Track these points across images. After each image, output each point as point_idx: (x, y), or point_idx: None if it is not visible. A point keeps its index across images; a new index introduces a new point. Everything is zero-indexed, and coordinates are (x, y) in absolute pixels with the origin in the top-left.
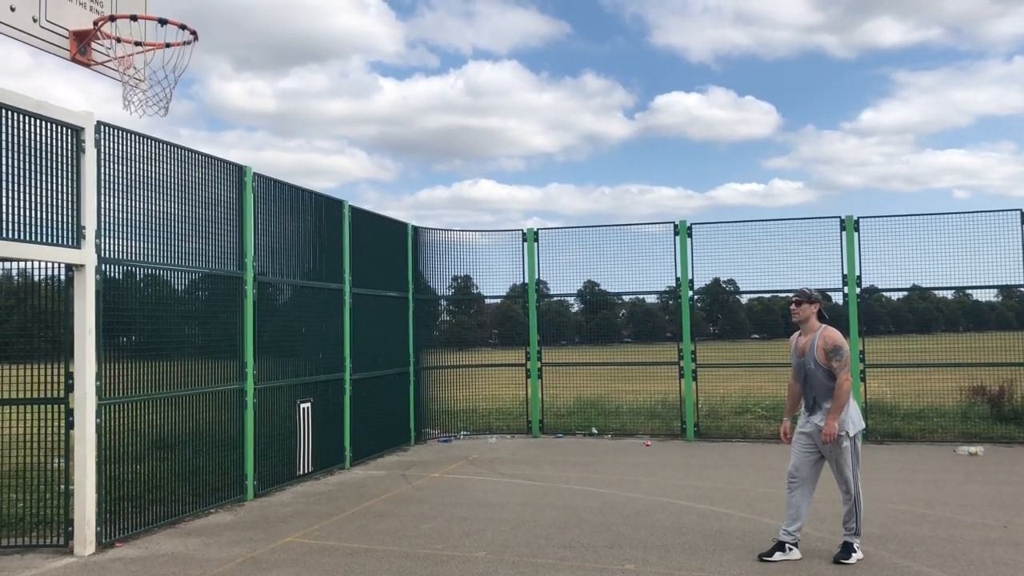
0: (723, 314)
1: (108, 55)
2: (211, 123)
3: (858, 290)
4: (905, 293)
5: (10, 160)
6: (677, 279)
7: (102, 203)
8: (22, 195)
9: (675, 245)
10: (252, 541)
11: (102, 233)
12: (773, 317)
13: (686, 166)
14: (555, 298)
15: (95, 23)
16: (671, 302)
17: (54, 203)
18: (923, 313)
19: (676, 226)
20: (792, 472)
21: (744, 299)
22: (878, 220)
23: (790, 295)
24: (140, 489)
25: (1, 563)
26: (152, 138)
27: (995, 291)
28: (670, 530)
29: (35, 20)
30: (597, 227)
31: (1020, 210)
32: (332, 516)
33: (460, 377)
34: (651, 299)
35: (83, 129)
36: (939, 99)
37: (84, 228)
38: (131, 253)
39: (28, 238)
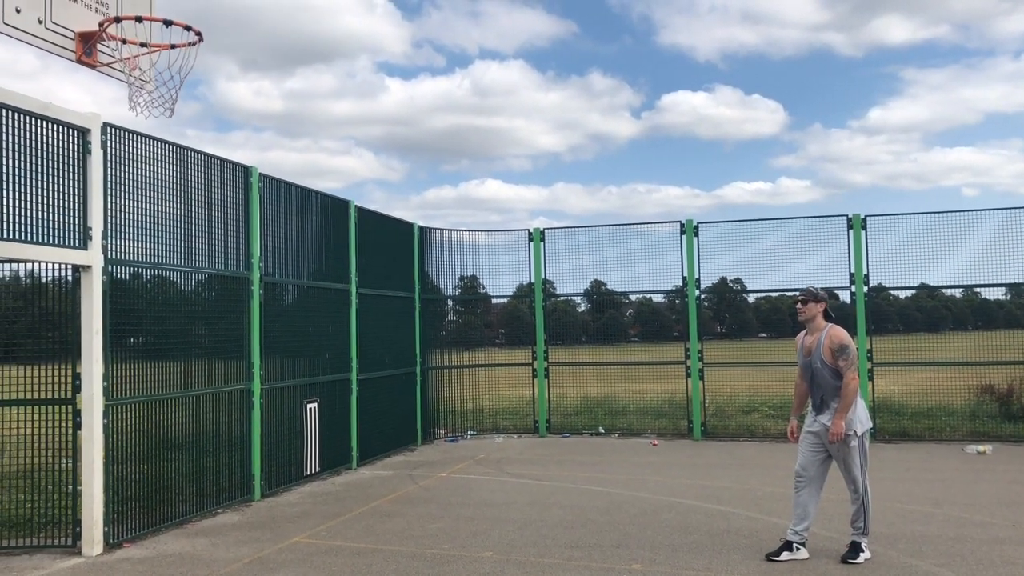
0: (730, 313)
1: (113, 56)
2: (218, 124)
3: (865, 289)
4: (913, 291)
5: (17, 162)
6: (684, 278)
7: (108, 204)
8: (29, 196)
9: (682, 244)
10: (259, 541)
11: (108, 234)
12: (780, 316)
13: (693, 165)
14: (562, 298)
15: (100, 24)
16: (678, 301)
17: (61, 204)
18: (931, 311)
19: (683, 225)
20: (799, 471)
21: (751, 298)
22: (885, 218)
23: (797, 294)
24: (147, 489)
25: (10, 563)
26: (158, 139)
27: (1004, 289)
28: (677, 530)
29: (40, 22)
30: (604, 227)
31: None
32: (339, 516)
33: (467, 377)
34: (658, 298)
35: (89, 130)
36: (948, 97)
37: (91, 229)
38: (138, 254)
39: (35, 239)
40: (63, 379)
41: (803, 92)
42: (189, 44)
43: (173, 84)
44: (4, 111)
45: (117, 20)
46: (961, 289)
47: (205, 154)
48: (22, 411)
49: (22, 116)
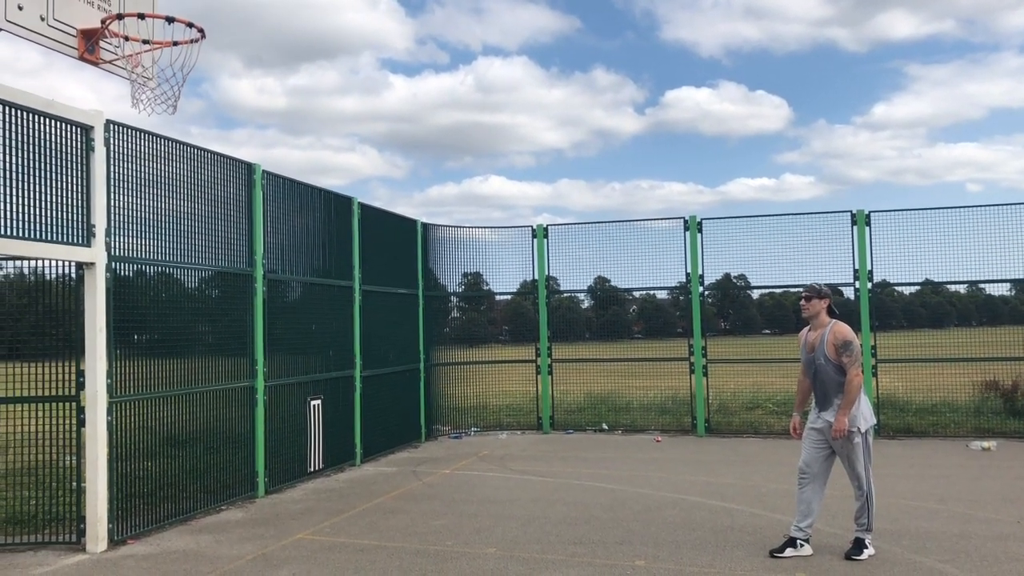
0: (734, 309)
1: (116, 53)
2: (221, 121)
3: (869, 285)
4: (917, 287)
5: (20, 159)
6: (687, 274)
7: (112, 201)
8: (33, 194)
9: (685, 240)
10: (263, 538)
11: (112, 231)
12: (784, 312)
13: (696, 161)
14: (565, 294)
15: (103, 21)
16: (682, 298)
17: (64, 202)
18: (935, 307)
19: (686, 221)
20: (803, 468)
21: (755, 294)
22: (889, 214)
23: (801, 290)
24: (151, 486)
25: (14, 560)
26: (162, 136)
27: (1008, 285)
28: (680, 526)
29: (43, 19)
30: (607, 223)
31: None
32: (343, 513)
33: (470, 374)
34: (662, 295)
35: (92, 128)
36: (952, 92)
37: (94, 226)
38: (141, 251)
39: (39, 237)
40: (67, 376)
41: (807, 88)
42: (191, 41)
43: (176, 81)
44: (7, 108)
45: (119, 17)
46: (965, 285)
47: (208, 151)
48: (26, 408)
49: (25, 113)
